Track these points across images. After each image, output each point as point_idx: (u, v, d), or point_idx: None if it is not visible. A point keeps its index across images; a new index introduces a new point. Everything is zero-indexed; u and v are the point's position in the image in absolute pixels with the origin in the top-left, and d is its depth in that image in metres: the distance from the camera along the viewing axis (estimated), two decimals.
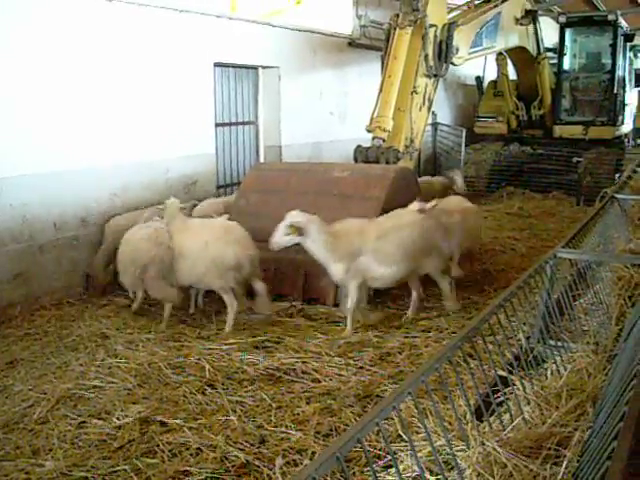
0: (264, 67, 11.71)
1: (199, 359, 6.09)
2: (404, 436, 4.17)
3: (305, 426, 4.91)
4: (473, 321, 3.65)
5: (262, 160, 11.80)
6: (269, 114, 11.89)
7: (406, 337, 6.64)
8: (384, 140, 9.13)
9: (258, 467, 4.35)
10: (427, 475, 3.42)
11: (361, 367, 5.95)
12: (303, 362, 6.06)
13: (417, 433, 4.21)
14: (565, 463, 2.91)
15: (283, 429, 4.86)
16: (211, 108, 10.36)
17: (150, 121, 9.06)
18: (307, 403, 5.30)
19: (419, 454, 3.73)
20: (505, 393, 3.89)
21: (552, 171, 15.42)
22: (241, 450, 4.55)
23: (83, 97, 8.14)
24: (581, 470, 2.86)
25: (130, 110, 8.76)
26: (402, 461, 3.77)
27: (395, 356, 6.20)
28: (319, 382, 5.69)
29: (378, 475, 3.96)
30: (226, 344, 6.46)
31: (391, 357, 6.20)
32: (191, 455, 4.55)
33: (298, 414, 5.11)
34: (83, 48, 8.09)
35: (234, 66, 11.12)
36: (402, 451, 4.15)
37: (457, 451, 3.34)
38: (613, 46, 16.39)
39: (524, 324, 5.47)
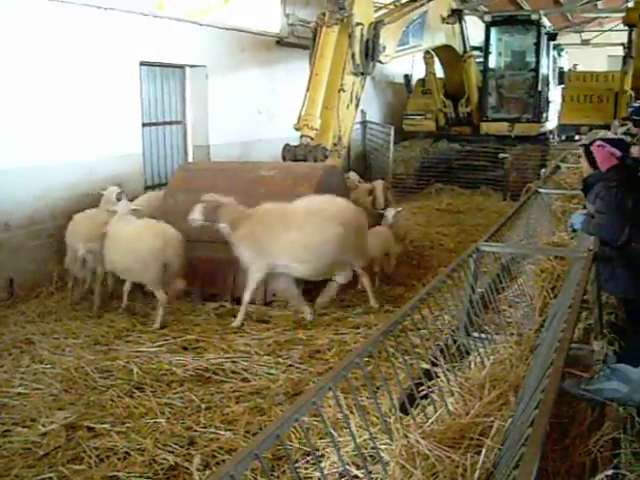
0: (191, 66, 11.58)
1: (127, 362, 5.99)
2: (333, 432, 4.17)
3: (235, 426, 4.87)
4: (395, 316, 3.67)
5: (190, 160, 11.68)
6: (197, 114, 11.77)
7: (335, 334, 6.65)
8: (312, 138, 9.12)
9: (187, 469, 4.30)
10: (352, 469, 3.42)
11: (290, 365, 5.95)
12: (232, 362, 6.02)
13: (345, 428, 4.22)
14: (484, 452, 2.95)
15: (212, 430, 4.82)
16: (137, 108, 10.19)
17: (74, 121, 8.85)
18: (236, 403, 5.27)
19: (346, 449, 3.74)
20: (430, 386, 3.94)
21: (480, 167, 15.74)
22: (170, 452, 4.50)
23: (2, 96, 7.91)
24: (501, 458, 2.90)
25: (53, 110, 8.53)
26: (329, 457, 3.76)
27: (324, 353, 6.22)
28: (248, 381, 5.66)
29: (307, 471, 3.97)
30: (154, 346, 6.37)
31: (320, 354, 6.21)
32: (119, 460, 4.47)
33: (227, 414, 5.08)
34: (2, 46, 7.86)
35: (161, 65, 10.97)
36: (330, 447, 4.15)
37: (382, 445, 3.36)
38: (537, 45, 16.82)
39: (452, 317, 5.57)
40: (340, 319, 7.13)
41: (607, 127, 15.49)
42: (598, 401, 4.30)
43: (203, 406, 5.19)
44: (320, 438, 4.38)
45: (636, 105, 8.11)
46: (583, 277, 4.27)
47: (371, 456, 3.51)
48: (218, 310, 7.39)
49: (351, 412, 4.24)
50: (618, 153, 5.08)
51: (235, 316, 7.04)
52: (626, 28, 16.80)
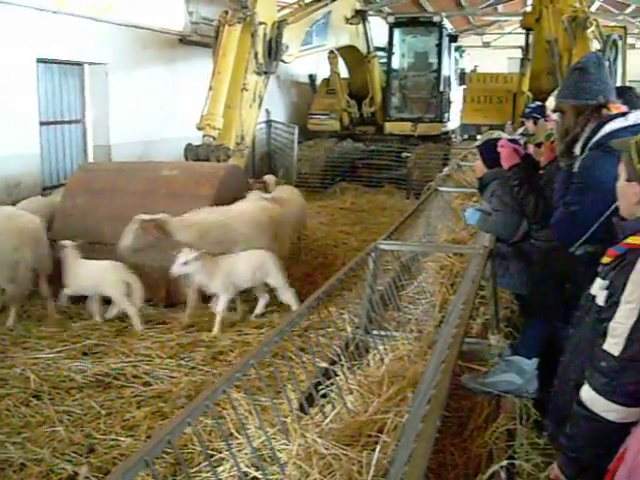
0: (91, 63, 11.30)
1: (23, 369, 5.75)
2: (236, 434, 4.13)
3: (136, 431, 4.76)
4: (291, 316, 3.65)
5: (91, 160, 11.39)
6: (97, 112, 11.50)
7: (239, 335, 6.59)
8: (214, 138, 9.05)
9: (87, 477, 4.18)
10: (251, 471, 3.40)
11: (193, 367, 5.85)
12: (133, 366, 5.87)
13: (247, 429, 4.18)
14: (378, 448, 2.97)
15: (113, 436, 4.69)
16: (34, 106, 9.89)
17: None
18: (138, 408, 5.15)
19: (246, 451, 3.71)
20: (329, 385, 3.95)
21: (383, 166, 15.94)
22: (68, 462, 4.35)
23: None
24: (397, 454, 2.93)
25: None
26: (228, 460, 3.72)
27: (227, 354, 6.14)
28: (150, 385, 5.53)
29: (208, 474, 3.91)
30: (53, 352, 6.16)
31: (223, 356, 6.13)
32: (14, 472, 4.29)
33: (128, 420, 4.95)
34: None
35: (58, 62, 10.66)
36: (235, 448, 4.10)
37: (280, 445, 3.35)
38: (439, 46, 17.16)
39: (354, 315, 5.62)
40: (243, 320, 7.06)
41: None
42: (494, 394, 4.42)
43: (103, 412, 5.04)
44: (223, 440, 4.34)
45: (533, 105, 8.34)
46: (477, 274, 4.37)
47: (271, 457, 3.49)
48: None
49: (250, 414, 4.21)
50: (522, 151, 5.22)
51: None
52: (524, 31, 17.29)
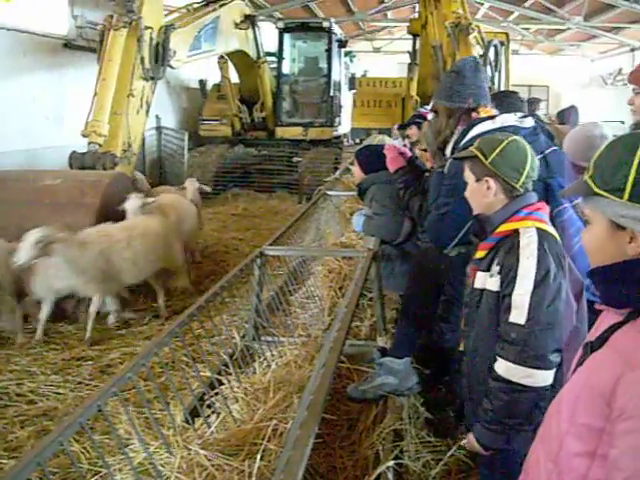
0: None
1: None
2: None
3: (20, 452, 4.58)
4: (171, 326, 3.60)
5: None
6: None
7: (127, 347, 6.46)
8: (100, 145, 8.82)
9: None
10: None
11: (80, 383, 5.69)
12: (17, 384, 5.67)
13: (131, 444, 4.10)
14: (259, 457, 2.97)
15: None
16: None
17: None
18: (21, 427, 4.96)
19: (132, 464, 3.63)
20: (215, 394, 3.92)
21: (275, 171, 15.95)
22: None
23: None
24: (278, 461, 2.93)
25: None
26: (115, 477, 3.63)
27: (117, 367, 5.99)
28: (35, 403, 5.35)
29: None
30: None
31: (112, 369, 5.98)
32: None
33: (12, 440, 4.77)
34: None
35: None
36: (120, 464, 4.01)
37: (164, 459, 3.30)
38: (328, 51, 17.29)
39: (245, 323, 5.59)
40: (131, 331, 6.92)
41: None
42: (378, 397, 4.49)
43: None
44: (112, 455, 4.23)
45: (422, 110, 8.50)
46: (361, 276, 4.42)
47: (159, 471, 3.43)
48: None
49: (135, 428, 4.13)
50: (408, 154, 5.28)
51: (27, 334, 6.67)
52: (411, 37, 17.65)
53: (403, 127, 8.84)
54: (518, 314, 2.73)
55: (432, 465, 4.15)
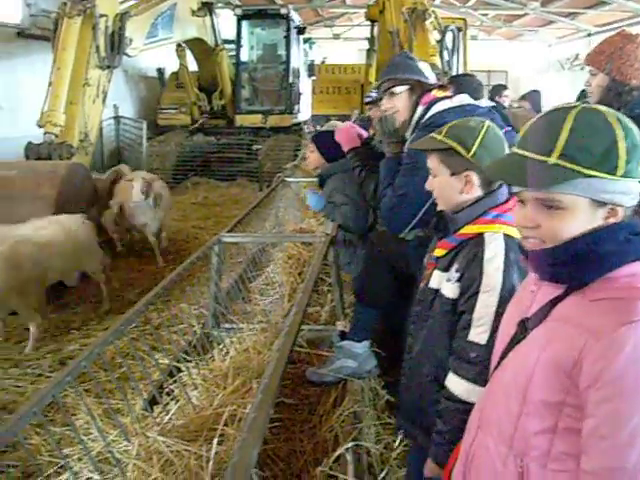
0: None
1: None
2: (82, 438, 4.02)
3: None
4: (128, 314, 3.60)
5: None
6: None
7: (87, 338, 6.40)
8: (56, 135, 8.73)
9: None
10: (95, 476, 3.33)
11: (40, 375, 5.63)
12: None
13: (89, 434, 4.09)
14: (215, 441, 2.99)
15: None
16: None
17: None
18: None
19: (91, 454, 3.63)
20: (174, 382, 3.92)
21: (235, 159, 15.88)
22: None
23: None
24: (236, 445, 2.95)
25: None
26: (72, 467, 3.62)
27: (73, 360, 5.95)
28: None
29: None
30: None
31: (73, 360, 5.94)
32: None
33: None
34: None
35: None
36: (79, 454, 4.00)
37: (122, 447, 3.30)
38: (287, 38, 17.24)
39: (205, 311, 5.58)
40: (90, 322, 6.88)
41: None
42: (337, 381, 4.52)
43: None
44: (73, 446, 4.21)
45: (373, 94, 8.51)
46: (318, 261, 4.45)
47: (117, 459, 3.43)
48: None
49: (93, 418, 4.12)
50: (365, 134, 5.25)
51: None
52: (369, 23, 17.64)
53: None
54: (480, 333, 2.52)
55: (392, 447, 4.18)
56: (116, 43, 10.09)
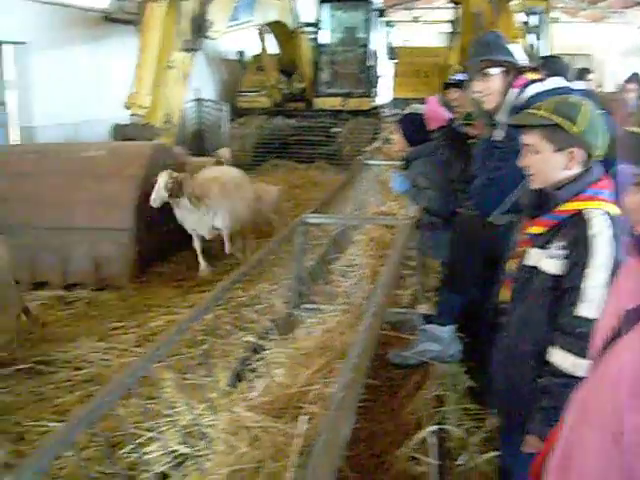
0: (10, 43, 10.95)
1: None
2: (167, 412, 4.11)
3: (67, 416, 4.63)
4: (213, 293, 3.64)
5: (13, 142, 11.07)
6: (18, 93, 11.17)
7: (170, 315, 6.50)
8: (142, 117, 8.93)
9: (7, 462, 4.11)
10: (181, 448, 3.40)
11: (125, 350, 5.77)
12: (64, 351, 5.76)
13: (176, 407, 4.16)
14: (303, 418, 3.00)
15: (43, 422, 4.58)
16: None
17: None
18: (69, 392, 5.04)
19: (175, 429, 3.70)
20: (258, 359, 3.97)
21: (315, 142, 15.86)
22: None
23: None
24: (322, 423, 2.97)
25: None
26: (156, 439, 3.70)
27: (161, 334, 6.04)
28: (81, 369, 5.43)
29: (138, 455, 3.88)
30: None
31: (157, 336, 6.04)
32: None
33: (59, 405, 4.86)
34: None
35: None
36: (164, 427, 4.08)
37: (209, 421, 3.36)
38: (367, 21, 17.13)
39: (288, 290, 5.63)
40: (175, 298, 7.01)
41: None
42: (420, 363, 4.50)
43: (33, 399, 4.94)
44: (152, 420, 4.31)
45: (459, 77, 8.31)
46: (402, 244, 4.42)
47: (202, 433, 3.50)
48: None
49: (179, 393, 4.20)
50: (448, 116, 5.18)
51: (71, 303, 6.78)
52: (452, 6, 17.40)
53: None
54: (588, 307, 2.54)
55: (472, 432, 4.14)
56: (199, 26, 10.18)
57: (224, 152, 10.21)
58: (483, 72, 3.91)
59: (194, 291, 7.18)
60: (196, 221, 7.51)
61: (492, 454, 3.74)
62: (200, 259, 7.61)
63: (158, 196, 7.11)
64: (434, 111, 4.97)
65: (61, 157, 7.90)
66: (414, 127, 5.15)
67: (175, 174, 7.23)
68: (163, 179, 7.12)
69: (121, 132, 8.83)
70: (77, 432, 2.31)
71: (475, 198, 4.01)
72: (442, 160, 4.84)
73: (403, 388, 4.48)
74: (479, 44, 4.10)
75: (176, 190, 7.17)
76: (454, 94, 6.65)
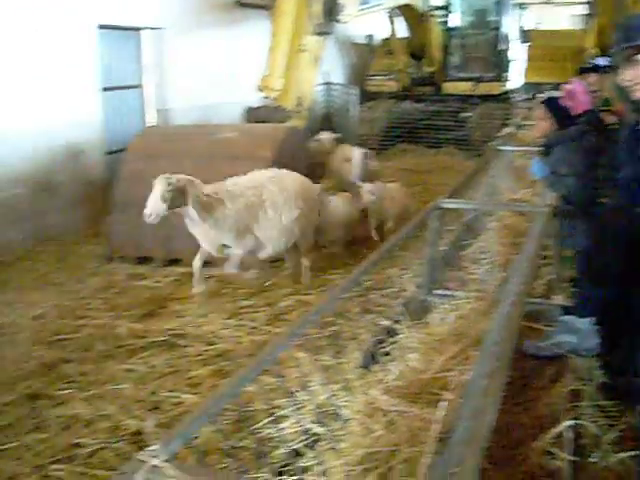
0: (148, 28, 11.33)
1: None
2: (299, 391, 4.16)
3: (199, 389, 4.84)
4: (352, 275, 3.63)
5: (149, 125, 11.47)
6: (155, 77, 11.54)
7: (297, 295, 6.59)
8: (274, 99, 9.05)
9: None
10: (314, 427, 3.43)
11: (254, 328, 5.88)
12: (196, 326, 5.93)
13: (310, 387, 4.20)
14: (443, 404, 2.96)
15: (177, 393, 4.76)
16: (95, 72, 9.97)
17: (29, 88, 8.63)
18: (203, 366, 5.20)
19: (308, 408, 3.73)
20: (392, 343, 3.94)
21: (444, 127, 15.66)
22: (134, 418, 4.44)
23: None
24: (462, 410, 2.92)
25: (6, 76, 8.32)
26: (290, 417, 3.75)
27: (289, 314, 6.15)
28: (213, 345, 5.59)
29: (269, 432, 3.94)
30: (113, 315, 6.23)
31: (286, 315, 6.15)
32: (82, 427, 4.40)
33: (192, 378, 5.02)
34: None
35: (117, 28, 10.70)
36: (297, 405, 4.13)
37: (343, 402, 3.37)
38: (498, 3, 16.75)
39: (416, 275, 5.58)
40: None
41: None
42: (555, 355, 4.35)
43: (167, 371, 5.13)
44: (285, 398, 4.37)
45: (600, 61, 7.95)
46: (540, 233, 4.28)
47: (333, 414, 3.52)
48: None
49: (312, 372, 4.24)
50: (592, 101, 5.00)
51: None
52: None
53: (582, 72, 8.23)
54: None
55: (605, 430, 3.99)
56: (330, 10, 10.20)
57: (325, 137, 10.12)
58: (632, 59, 3.70)
59: (324, 274, 7.24)
60: (200, 234, 6.41)
61: (626, 454, 3.59)
62: (195, 278, 6.66)
63: (154, 210, 5.87)
64: (582, 94, 4.74)
65: (196, 138, 8.10)
66: (563, 109, 4.94)
67: (174, 179, 5.99)
68: (159, 188, 5.90)
69: (253, 114, 8.99)
70: (220, 406, 2.36)
71: (624, 189, 3.81)
72: (586, 147, 4.62)
73: (537, 380, 4.36)
74: (625, 28, 3.86)
75: (177, 200, 5.99)
76: (592, 79, 6.36)
